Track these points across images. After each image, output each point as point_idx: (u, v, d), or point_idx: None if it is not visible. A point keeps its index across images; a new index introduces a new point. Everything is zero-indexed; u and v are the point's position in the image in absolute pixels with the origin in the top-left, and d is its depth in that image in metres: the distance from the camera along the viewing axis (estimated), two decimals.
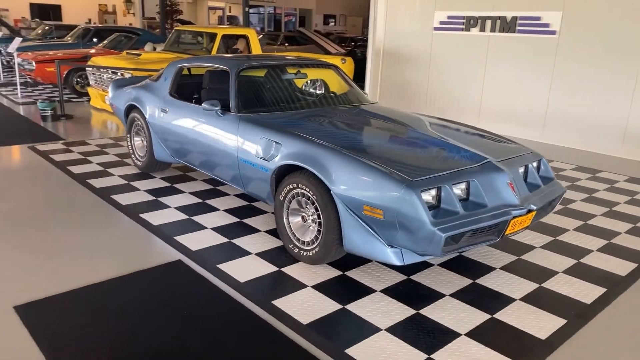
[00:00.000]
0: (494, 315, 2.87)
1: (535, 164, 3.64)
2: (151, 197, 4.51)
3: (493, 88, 8.22)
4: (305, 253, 3.33)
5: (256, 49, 9.10)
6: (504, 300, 3.03)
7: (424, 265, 3.42)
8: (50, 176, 5.05)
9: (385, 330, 2.68)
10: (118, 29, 12.31)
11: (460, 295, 3.07)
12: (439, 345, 2.57)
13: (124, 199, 4.45)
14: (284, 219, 3.46)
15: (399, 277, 3.25)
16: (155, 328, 2.62)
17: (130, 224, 3.95)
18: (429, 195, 2.90)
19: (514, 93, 7.96)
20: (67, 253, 3.44)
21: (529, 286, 3.22)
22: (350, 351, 2.49)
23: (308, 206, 3.31)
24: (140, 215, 4.10)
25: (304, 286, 3.10)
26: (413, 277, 3.26)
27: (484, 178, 3.07)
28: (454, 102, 8.76)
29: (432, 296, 3.05)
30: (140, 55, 8.67)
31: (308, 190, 3.21)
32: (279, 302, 2.90)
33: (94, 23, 21.95)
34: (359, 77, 10.85)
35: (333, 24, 28.99)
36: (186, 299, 2.91)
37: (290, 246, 3.44)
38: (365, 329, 2.68)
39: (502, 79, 8.08)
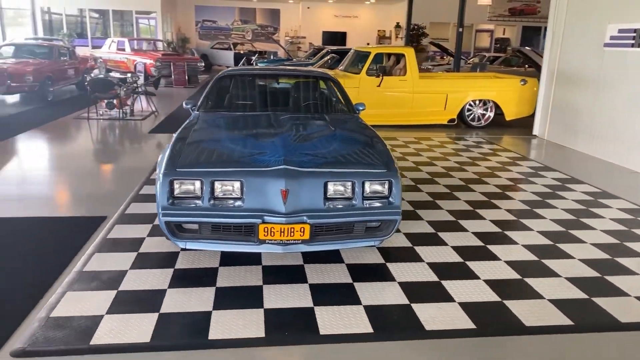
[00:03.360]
0: (213, 311, 2.93)
1: (385, 185, 3.27)
2: None
3: None
4: None
5: (412, 67, 9.24)
6: (251, 304, 3.01)
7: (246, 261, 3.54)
8: (136, 147, 6.79)
9: (118, 291, 3.12)
10: (338, 52, 13.93)
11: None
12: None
13: None
14: None
15: (197, 265, 3.51)
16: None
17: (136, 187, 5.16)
18: (192, 186, 3.14)
19: None
20: (58, 186, 4.88)
21: (297, 302, 3.03)
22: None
23: None
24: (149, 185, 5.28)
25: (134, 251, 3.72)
26: (221, 267, 3.46)
27: (256, 181, 3.09)
28: (617, 135, 7.06)
29: (202, 283, 3.25)
30: None
31: None
32: (94, 260, 3.63)
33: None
34: None
35: None
36: (52, 239, 3.93)
37: None
38: (100, 287, 3.18)
39: None
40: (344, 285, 3.29)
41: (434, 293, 3.23)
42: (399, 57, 9.60)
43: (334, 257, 3.66)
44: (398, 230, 4.20)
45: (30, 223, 4.24)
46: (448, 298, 3.16)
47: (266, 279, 3.32)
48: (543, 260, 3.76)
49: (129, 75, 10.80)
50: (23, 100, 11.49)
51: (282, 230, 3.00)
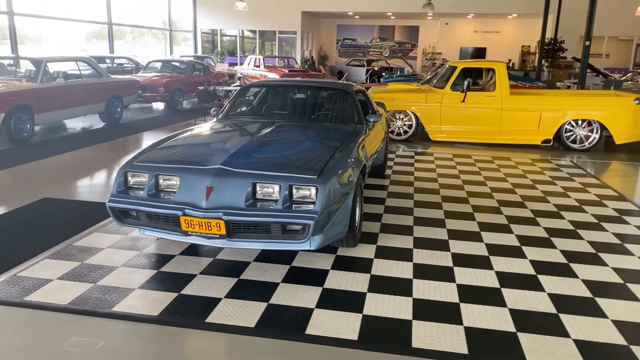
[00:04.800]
0: (137, 289, 3.30)
1: (313, 191, 3.33)
2: None
3: None
4: None
5: (502, 82, 8.72)
6: (171, 288, 3.32)
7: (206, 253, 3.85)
8: None
9: (81, 263, 3.67)
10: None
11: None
12: None
13: None
14: None
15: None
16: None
17: None
18: (142, 178, 3.56)
19: None
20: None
21: (211, 293, 3.25)
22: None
23: None
24: None
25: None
26: (179, 256, 3.83)
27: (189, 177, 3.39)
28: None
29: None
30: (388, 85, 9.96)
31: None
32: (89, 237, 4.26)
33: (513, 64, 23.25)
34: None
35: None
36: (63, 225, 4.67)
37: None
38: (72, 258, 3.75)
39: None
40: (269, 284, 3.41)
41: (349, 303, 3.19)
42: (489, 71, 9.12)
43: (285, 258, 3.79)
44: (373, 242, 4.16)
45: (73, 205, 5.08)
46: (358, 309, 3.11)
47: (206, 270, 3.60)
48: (503, 289, 3.43)
49: (232, 87, 11.88)
50: (158, 108, 13.33)
51: (201, 224, 3.25)
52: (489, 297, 3.32)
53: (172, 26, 23.97)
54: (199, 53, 24.02)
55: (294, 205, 3.33)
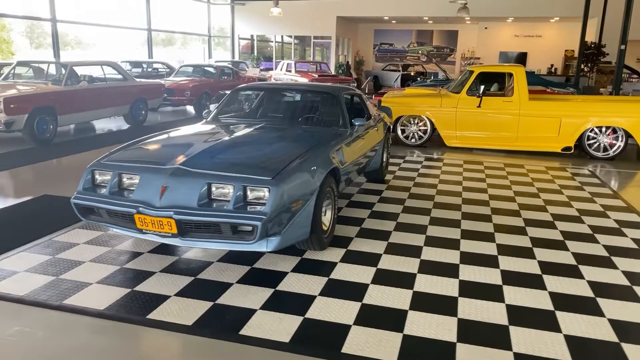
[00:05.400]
0: (94, 283, 3.39)
1: (266, 192, 3.33)
2: None
3: None
4: None
5: (521, 87, 8.45)
6: (127, 285, 3.39)
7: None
8: None
9: (53, 257, 3.81)
10: None
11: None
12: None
13: None
14: None
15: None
16: None
17: None
18: (107, 177, 3.67)
19: None
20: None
21: (163, 290, 3.30)
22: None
23: None
24: None
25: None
26: (147, 253, 3.92)
27: (148, 177, 3.47)
28: None
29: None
30: (404, 90, 9.83)
31: None
32: (71, 233, 4.41)
33: (555, 69, 22.45)
34: None
35: None
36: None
37: None
38: (47, 252, 3.90)
39: None
40: (222, 284, 3.43)
41: (294, 306, 3.16)
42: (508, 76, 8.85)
43: (248, 259, 3.81)
44: (344, 246, 4.12)
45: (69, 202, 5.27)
46: (301, 312, 3.08)
47: (167, 268, 3.66)
48: (460, 298, 3.32)
49: None
50: (191, 111, 13.69)
51: (153, 222, 3.31)
52: (442, 305, 3.21)
53: (218, 32, 24.63)
54: (236, 58, 24.51)
55: (249, 206, 3.34)
